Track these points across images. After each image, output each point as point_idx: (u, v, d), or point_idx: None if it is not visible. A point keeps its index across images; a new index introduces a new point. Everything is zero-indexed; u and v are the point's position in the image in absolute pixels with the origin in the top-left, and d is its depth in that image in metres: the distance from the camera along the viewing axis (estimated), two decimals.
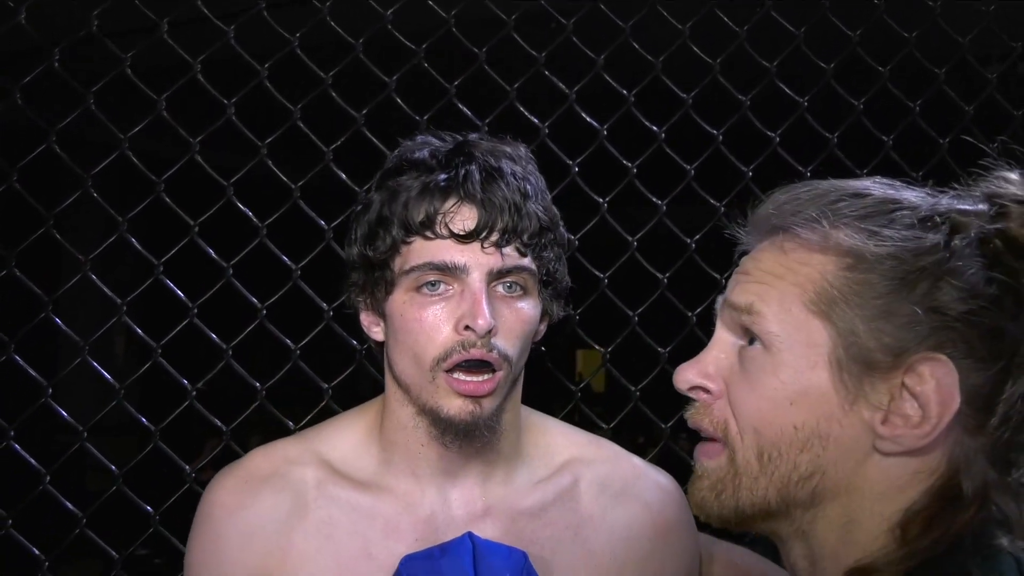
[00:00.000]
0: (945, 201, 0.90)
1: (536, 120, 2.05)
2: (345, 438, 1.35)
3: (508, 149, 1.30)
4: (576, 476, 1.37)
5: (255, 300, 1.96)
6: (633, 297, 2.17)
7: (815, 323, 0.88)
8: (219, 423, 1.90)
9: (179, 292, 1.91)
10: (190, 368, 1.99)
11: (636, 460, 1.42)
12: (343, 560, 1.28)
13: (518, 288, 1.25)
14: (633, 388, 2.14)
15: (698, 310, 2.13)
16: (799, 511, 0.90)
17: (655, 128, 2.15)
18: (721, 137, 2.19)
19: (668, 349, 2.14)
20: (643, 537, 1.36)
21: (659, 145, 2.14)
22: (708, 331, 0.98)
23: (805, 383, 0.88)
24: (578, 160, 2.09)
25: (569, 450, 1.38)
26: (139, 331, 1.93)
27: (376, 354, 1.37)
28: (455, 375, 1.22)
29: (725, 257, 1.03)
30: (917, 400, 0.85)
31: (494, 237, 1.22)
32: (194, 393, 1.92)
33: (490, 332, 1.21)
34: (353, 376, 1.99)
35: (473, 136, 1.32)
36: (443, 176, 1.24)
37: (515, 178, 1.25)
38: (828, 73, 2.25)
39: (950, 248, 0.86)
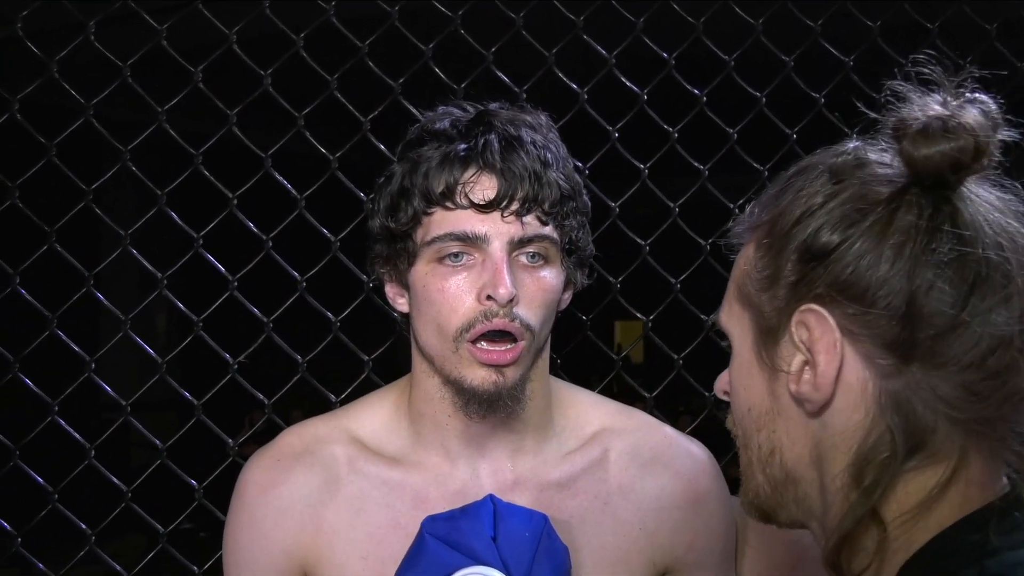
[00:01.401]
0: (847, 148, 0.90)
1: (575, 86, 2.02)
2: (374, 415, 1.36)
3: (528, 118, 1.29)
4: (606, 447, 1.36)
5: (295, 273, 1.95)
6: (674, 265, 2.14)
7: (742, 311, 0.92)
8: (261, 396, 1.90)
9: (219, 265, 1.90)
10: (231, 343, 1.99)
11: (668, 429, 1.41)
12: (373, 532, 1.29)
13: (540, 257, 1.25)
14: (676, 356, 2.11)
15: None
16: (787, 492, 0.92)
17: (696, 91, 2.11)
18: (764, 100, 2.14)
19: (712, 316, 2.11)
20: (674, 507, 1.35)
21: (701, 109, 2.10)
22: None
23: (746, 368, 0.93)
24: (618, 126, 2.06)
25: (599, 421, 1.38)
26: (180, 304, 1.93)
27: (402, 326, 1.37)
28: (478, 345, 1.22)
29: None
30: (810, 351, 0.86)
31: (514, 206, 1.22)
32: (236, 367, 1.92)
33: (512, 301, 1.21)
34: (393, 348, 1.98)
35: (494, 106, 1.32)
36: (463, 146, 1.24)
37: (535, 146, 1.25)
38: (875, 32, 2.19)
39: (825, 194, 0.86)
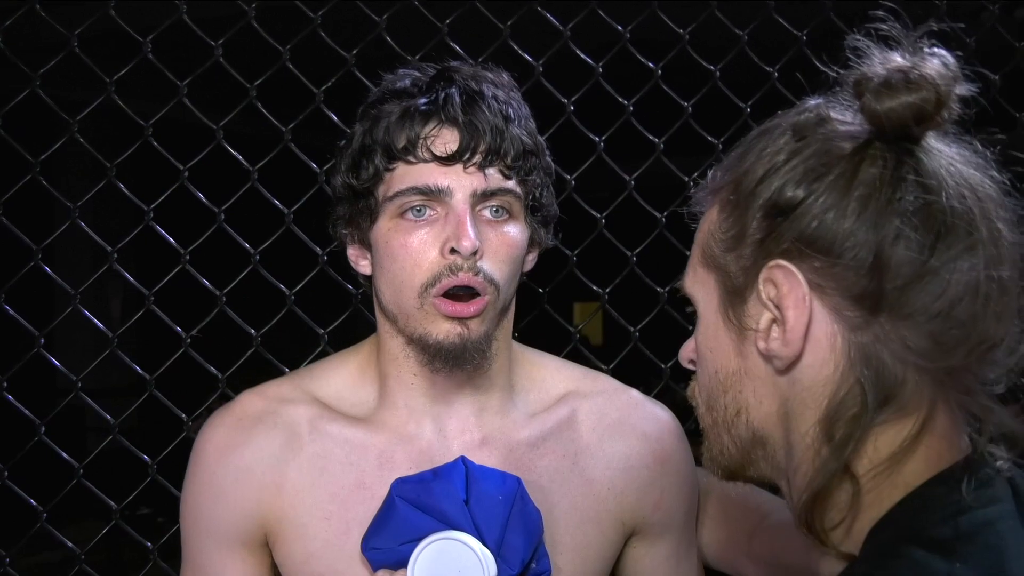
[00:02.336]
0: (808, 105, 0.91)
1: (530, 58, 2.02)
2: (338, 376, 1.36)
3: (490, 75, 1.30)
4: (573, 408, 1.37)
5: (248, 246, 1.93)
6: (631, 241, 2.15)
7: (707, 274, 0.93)
8: (214, 370, 1.88)
9: (170, 238, 1.88)
10: (186, 319, 1.97)
11: (633, 392, 1.43)
12: (336, 492, 1.29)
13: (504, 211, 1.25)
14: (632, 329, 2.12)
15: None
16: (755, 451, 0.93)
17: (651, 64, 2.11)
18: (719, 74, 2.15)
19: (667, 289, 2.12)
20: (641, 467, 1.37)
21: (656, 83, 2.11)
22: None
23: (712, 330, 0.93)
24: (573, 99, 2.06)
25: (565, 384, 1.39)
26: (131, 278, 1.90)
27: (366, 289, 1.36)
28: (442, 298, 1.22)
29: None
30: (778, 308, 0.87)
31: (477, 158, 1.22)
32: (188, 340, 1.90)
33: (475, 254, 1.21)
34: (351, 321, 1.97)
35: (455, 63, 1.32)
36: (423, 100, 1.24)
37: (497, 101, 1.25)
38: (827, 6, 2.20)
39: (789, 151, 0.87)
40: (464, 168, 1.22)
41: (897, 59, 0.86)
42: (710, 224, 0.92)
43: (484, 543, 1.19)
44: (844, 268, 0.84)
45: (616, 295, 2.17)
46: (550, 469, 1.33)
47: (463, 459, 1.25)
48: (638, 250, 2.14)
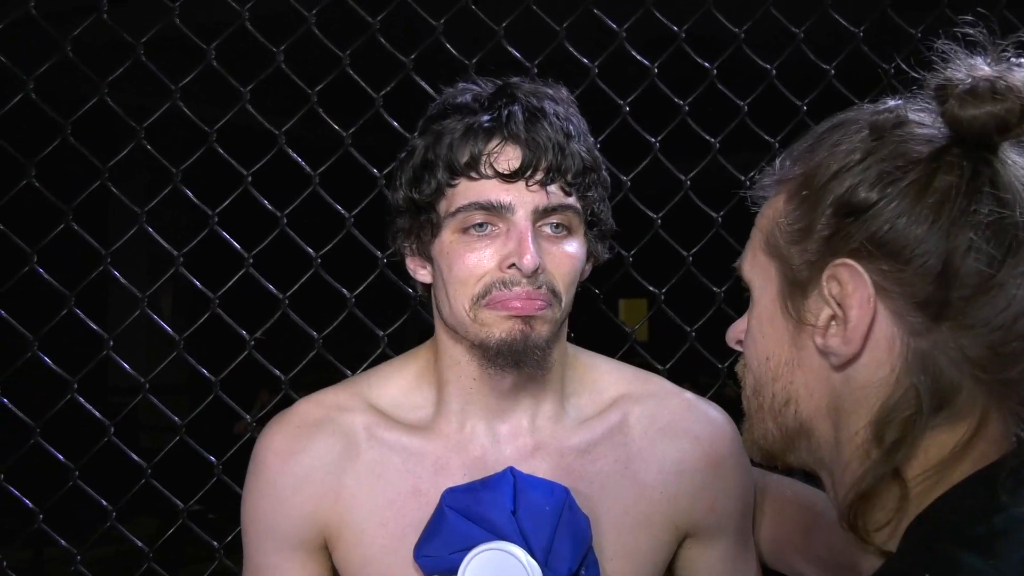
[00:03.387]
0: (888, 105, 0.91)
1: (586, 60, 2.02)
2: (394, 383, 1.37)
3: (550, 91, 1.31)
4: (625, 412, 1.37)
5: (310, 250, 1.95)
6: (684, 240, 2.15)
7: (767, 261, 0.92)
8: (277, 372, 1.91)
9: (234, 242, 1.91)
10: (244, 320, 2.00)
11: (687, 394, 1.42)
12: (393, 499, 1.30)
13: (563, 228, 1.26)
14: (689, 328, 2.12)
15: None
16: (799, 441, 0.93)
17: (707, 64, 2.11)
18: (775, 72, 2.14)
19: (723, 289, 2.12)
20: (695, 471, 1.36)
21: (712, 82, 2.10)
22: None
23: (768, 317, 0.93)
24: (629, 100, 2.06)
25: (618, 386, 1.39)
26: (196, 282, 1.93)
27: (423, 298, 1.38)
28: (499, 301, 1.23)
29: None
30: (840, 306, 0.86)
31: (539, 176, 1.23)
32: (252, 343, 1.93)
33: (536, 271, 1.22)
34: (410, 323, 1.99)
35: (515, 79, 1.33)
36: (486, 117, 1.25)
37: (558, 118, 1.26)
38: (884, 1, 2.19)
39: (864, 151, 0.86)
40: (527, 186, 1.23)
41: (984, 67, 0.85)
42: (775, 212, 0.92)
43: (531, 552, 1.20)
44: (911, 274, 0.84)
45: (663, 292, 2.17)
46: (601, 475, 1.33)
47: (511, 470, 1.26)
48: (694, 250, 2.14)
